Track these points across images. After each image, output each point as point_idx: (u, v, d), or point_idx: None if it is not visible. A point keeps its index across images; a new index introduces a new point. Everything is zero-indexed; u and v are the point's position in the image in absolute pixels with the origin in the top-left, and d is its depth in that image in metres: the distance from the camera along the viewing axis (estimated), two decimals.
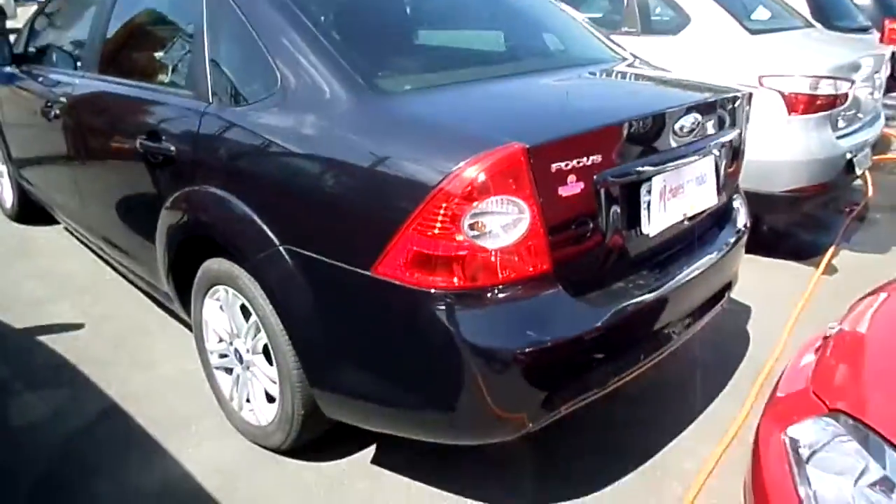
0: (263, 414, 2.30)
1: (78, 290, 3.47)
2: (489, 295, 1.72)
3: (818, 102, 3.63)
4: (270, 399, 2.26)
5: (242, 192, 2.06)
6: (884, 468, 1.32)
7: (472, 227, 1.65)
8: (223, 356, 2.44)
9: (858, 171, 4.03)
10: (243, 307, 2.22)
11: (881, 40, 6.80)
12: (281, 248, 1.95)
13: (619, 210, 1.91)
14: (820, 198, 4.13)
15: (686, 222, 2.14)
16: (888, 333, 1.69)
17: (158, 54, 2.62)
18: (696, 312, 2.28)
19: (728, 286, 2.53)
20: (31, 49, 3.51)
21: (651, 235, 2.00)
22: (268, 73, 2.05)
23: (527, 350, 1.73)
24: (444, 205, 1.62)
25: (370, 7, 2.43)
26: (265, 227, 1.98)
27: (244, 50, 2.16)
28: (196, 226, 2.29)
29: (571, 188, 1.73)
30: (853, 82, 3.77)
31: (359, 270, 1.77)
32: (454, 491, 2.20)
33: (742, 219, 2.60)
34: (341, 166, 1.83)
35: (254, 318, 2.17)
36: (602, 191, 1.82)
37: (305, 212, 1.93)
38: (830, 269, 3.93)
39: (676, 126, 2.00)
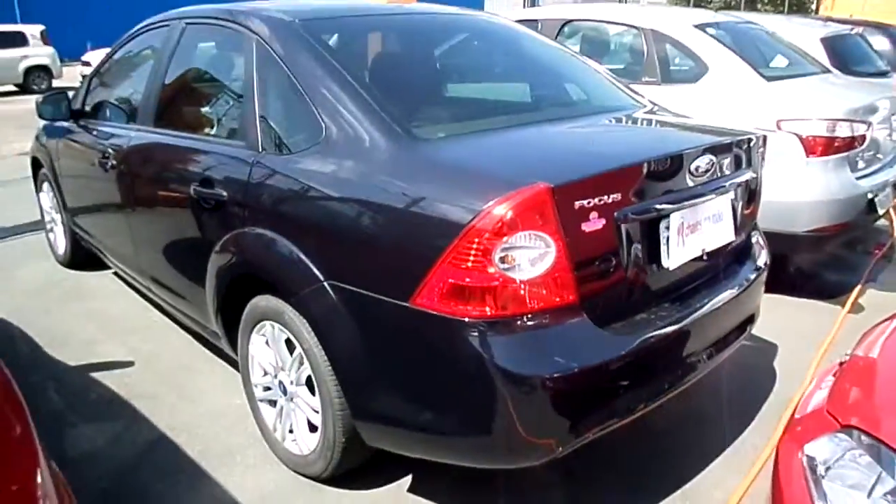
0: (306, 443, 2.42)
1: (127, 331, 3.66)
2: (519, 323, 1.85)
3: (836, 144, 3.75)
4: (312, 429, 2.38)
5: (289, 232, 2.24)
6: (894, 478, 1.41)
7: (502, 260, 1.80)
8: (267, 389, 2.58)
9: (880, 211, 4.11)
10: (288, 341, 2.37)
11: None
12: (325, 283, 2.11)
13: (639, 245, 2.04)
14: (842, 237, 4.21)
15: (705, 257, 2.26)
16: None
17: (210, 108, 2.85)
18: (719, 344, 2.38)
19: (750, 320, 2.63)
20: (88, 105, 3.78)
21: (671, 269, 2.12)
22: (313, 123, 2.24)
23: (555, 375, 1.85)
24: (476, 240, 1.77)
25: (405, 61, 2.64)
26: (311, 265, 2.15)
27: (291, 103, 2.36)
28: (245, 265, 2.46)
29: (594, 224, 1.88)
30: (870, 124, 3.89)
31: (398, 302, 1.92)
32: None
33: (761, 256, 2.70)
34: (381, 207, 1.99)
35: (298, 350, 2.31)
36: (623, 226, 1.96)
37: (348, 249, 2.09)
38: (857, 308, 3.99)
39: (692, 166, 2.14)
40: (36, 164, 4.54)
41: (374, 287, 1.99)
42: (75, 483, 2.43)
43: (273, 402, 2.57)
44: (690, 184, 2.17)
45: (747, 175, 2.48)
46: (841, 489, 1.48)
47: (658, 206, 2.05)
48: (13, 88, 16.94)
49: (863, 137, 3.86)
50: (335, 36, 2.56)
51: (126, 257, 3.54)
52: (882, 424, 1.50)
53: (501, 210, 1.75)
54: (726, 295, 2.34)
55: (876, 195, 4.04)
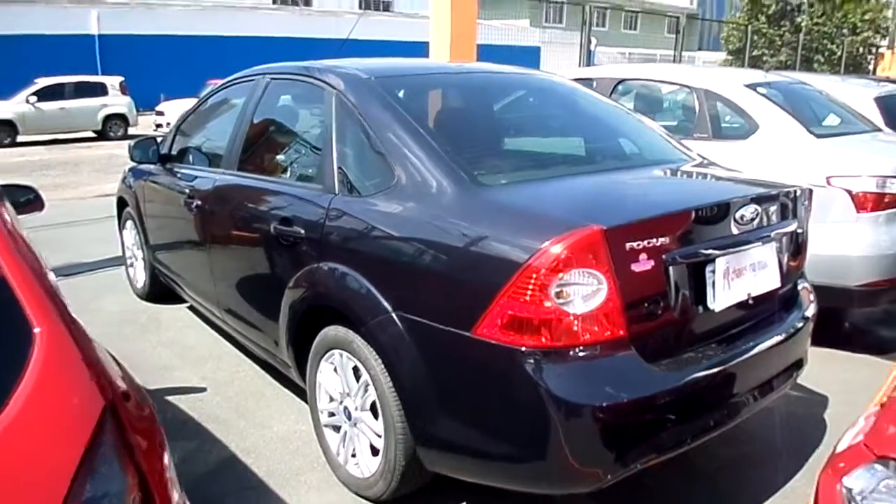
0: (367, 466, 2.59)
1: (200, 359, 3.92)
2: (572, 354, 2.01)
3: (886, 200, 3.82)
4: (374, 452, 2.54)
5: (360, 267, 2.45)
6: None
7: (557, 294, 1.97)
8: (332, 415, 2.76)
9: None
10: (355, 368, 2.56)
11: None
12: (393, 314, 2.31)
13: (687, 286, 2.19)
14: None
15: (751, 301, 2.38)
16: None
17: (290, 154, 3.13)
18: (764, 387, 2.47)
19: (797, 365, 2.71)
20: (175, 150, 4.13)
21: (717, 311, 2.25)
22: (386, 170, 2.47)
23: (605, 405, 1.99)
24: (534, 275, 1.95)
25: (467, 115, 2.88)
26: (380, 297, 2.35)
27: (365, 150, 2.61)
28: (318, 297, 2.68)
29: (643, 265, 2.03)
30: None
31: (460, 332, 2.10)
32: None
33: (809, 307, 2.79)
34: (447, 246, 2.20)
35: (364, 377, 2.50)
36: (671, 268, 2.11)
37: (415, 284, 2.29)
38: None
39: (738, 215, 2.29)
40: (121, 204, 4.92)
41: (439, 318, 2.18)
42: None
43: (337, 428, 2.75)
44: (736, 231, 2.31)
45: (792, 226, 2.60)
46: None
47: (704, 251, 2.20)
48: (92, 135, 18.05)
49: None
50: (405, 91, 2.82)
51: (204, 291, 3.82)
52: None
53: (558, 249, 1.93)
54: (772, 339, 2.45)
55: None
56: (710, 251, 2.21)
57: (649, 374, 2.08)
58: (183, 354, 4.00)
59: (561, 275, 1.95)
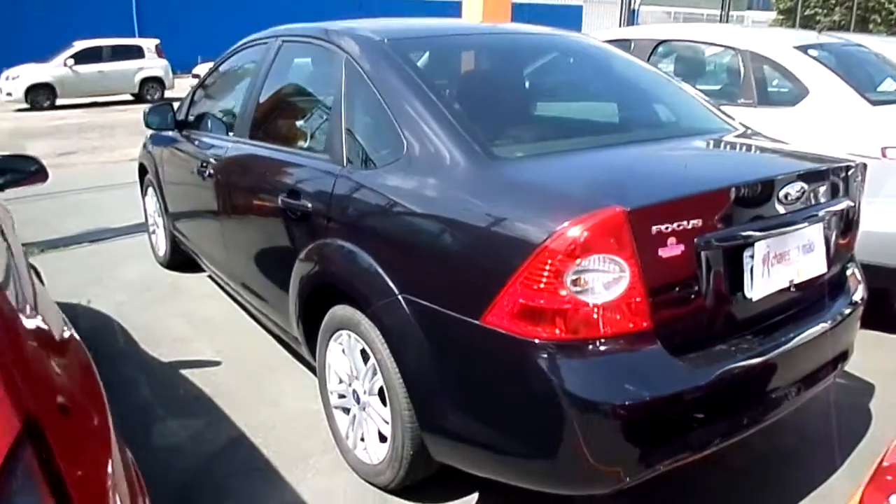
0: (375, 453, 2.47)
1: (217, 331, 3.84)
2: (590, 348, 1.83)
3: None
4: (383, 439, 2.42)
5: (368, 245, 2.30)
6: None
7: (574, 282, 1.78)
8: (342, 397, 2.64)
9: None
10: (363, 351, 2.42)
11: None
12: (400, 296, 2.15)
13: (721, 273, 1.98)
14: None
15: (793, 289, 2.16)
16: None
17: (301, 122, 2.96)
18: (806, 381, 2.26)
19: (843, 357, 2.49)
20: (191, 116, 4.00)
21: (754, 300, 2.04)
22: (395, 140, 2.29)
23: (624, 404, 1.82)
24: (548, 261, 1.77)
25: (491, 80, 2.67)
26: (386, 277, 2.20)
27: (376, 119, 2.43)
28: (326, 275, 2.54)
29: (672, 250, 1.83)
30: None
31: (469, 319, 1.94)
32: None
33: (857, 291, 2.55)
34: (456, 225, 2.02)
35: (372, 360, 2.36)
36: (703, 254, 1.90)
37: (423, 265, 2.13)
38: None
39: (781, 193, 2.06)
40: (143, 170, 4.84)
41: (447, 303, 2.01)
42: (159, 473, 2.61)
43: (347, 410, 2.63)
44: (779, 211, 2.09)
45: (843, 204, 2.36)
46: None
47: (742, 234, 1.98)
48: (129, 98, 18.15)
49: None
50: (424, 55, 2.62)
51: (218, 261, 3.72)
52: None
53: (575, 232, 1.74)
54: (815, 330, 2.23)
55: None
56: (748, 234, 1.99)
57: (675, 369, 1.89)
58: (199, 325, 3.92)
59: (578, 261, 1.76)
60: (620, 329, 1.83)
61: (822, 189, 2.27)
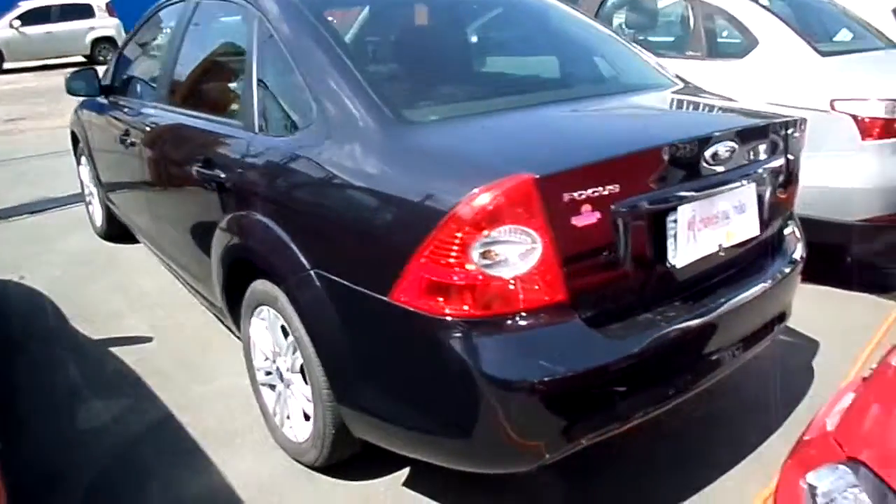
0: (301, 431, 2.38)
1: (151, 305, 3.71)
2: (502, 324, 1.73)
3: (895, 127, 3.43)
4: (307, 417, 2.33)
5: (280, 218, 2.17)
6: None
7: (483, 255, 1.68)
8: (268, 374, 2.54)
9: None
10: (283, 327, 2.32)
11: None
12: (312, 271, 2.03)
13: (642, 240, 1.88)
14: None
15: (722, 253, 2.08)
16: None
17: (215, 87, 2.79)
18: (737, 347, 2.20)
19: (778, 319, 2.43)
20: (116, 81, 3.79)
21: (679, 267, 1.95)
22: (305, 105, 2.15)
23: (540, 380, 1.73)
24: (453, 233, 1.66)
25: (416, 39, 2.51)
26: (298, 252, 2.08)
27: (286, 82, 2.28)
28: (242, 249, 2.41)
29: (587, 218, 1.73)
30: None
31: (378, 296, 1.83)
32: None
33: (796, 250, 2.49)
34: (363, 195, 1.90)
35: (291, 337, 2.26)
36: (621, 221, 1.80)
37: (333, 238, 2.01)
38: None
39: (708, 153, 1.95)
40: (74, 138, 4.62)
41: (356, 279, 1.91)
42: (78, 456, 2.51)
43: (273, 387, 2.54)
44: (707, 173, 1.98)
45: (780, 161, 2.27)
46: None
47: (664, 198, 1.88)
48: (81, 59, 17.49)
49: None
50: (337, 11, 2.45)
51: (148, 233, 3.57)
52: (886, 461, 1.32)
53: (479, 202, 1.63)
54: (748, 294, 2.15)
55: None
56: (671, 198, 1.89)
57: (594, 342, 1.80)
58: (134, 300, 3.79)
59: (485, 232, 1.65)
60: (534, 303, 1.73)
61: (756, 147, 2.17)
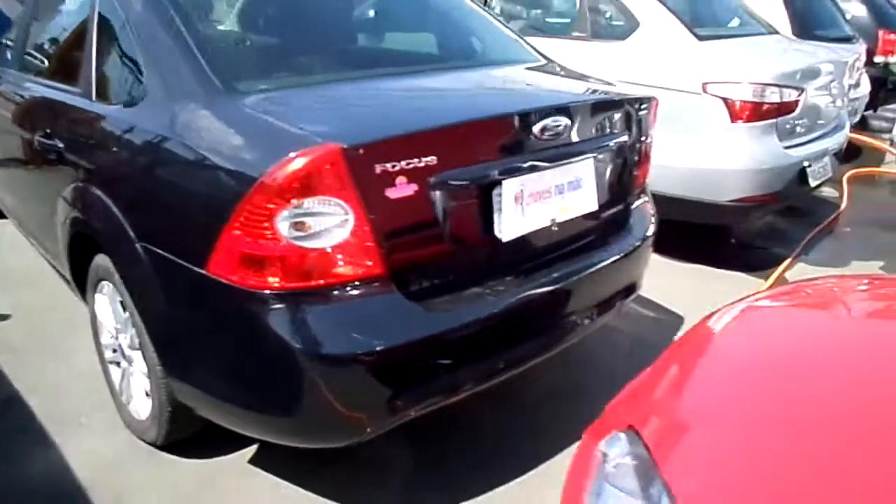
0: (143, 408, 2.32)
1: (16, 283, 3.54)
2: (316, 297, 1.71)
3: (763, 110, 3.56)
4: (148, 394, 2.27)
5: (111, 190, 2.10)
6: (647, 497, 1.26)
7: (295, 227, 1.65)
8: (115, 351, 2.46)
9: (813, 183, 3.92)
10: (122, 302, 2.24)
11: (876, 52, 6.66)
12: (137, 244, 1.97)
13: (466, 214, 1.89)
14: (774, 208, 4.05)
15: (556, 227, 2.10)
16: (715, 349, 1.63)
17: (62, 53, 2.66)
18: (573, 321, 2.24)
19: (625, 293, 2.48)
20: None
21: (506, 241, 1.96)
22: (139, 73, 2.07)
23: (355, 353, 1.73)
24: (261, 204, 1.63)
25: (261, 10, 2.44)
26: (126, 224, 2.01)
27: (122, 50, 2.18)
28: (79, 223, 2.32)
29: (402, 190, 1.72)
30: (802, 90, 3.68)
31: (196, 269, 1.79)
32: (324, 494, 2.19)
33: (646, 225, 2.55)
34: (184, 165, 1.85)
35: (127, 313, 2.19)
36: (440, 193, 1.80)
37: (157, 210, 1.95)
38: (781, 282, 3.84)
39: (537, 128, 1.96)
40: None
41: (177, 251, 1.86)
42: None
43: (119, 365, 2.46)
44: (537, 147, 2.00)
45: (622, 138, 2.30)
46: (618, 495, 1.35)
47: (486, 173, 1.88)
48: None
49: (794, 104, 3.67)
50: None
51: (10, 207, 3.40)
52: (652, 430, 1.36)
53: (285, 172, 1.60)
54: (586, 268, 2.19)
55: (809, 165, 3.86)
56: (495, 172, 1.89)
57: (414, 315, 1.80)
58: (1, 278, 3.61)
59: (294, 202, 1.62)
60: (348, 276, 1.72)
61: (597, 123, 2.21)
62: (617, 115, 2.30)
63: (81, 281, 2.56)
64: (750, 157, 3.59)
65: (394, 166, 1.68)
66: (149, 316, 2.02)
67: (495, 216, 1.93)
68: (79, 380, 2.75)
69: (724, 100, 3.55)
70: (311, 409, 1.77)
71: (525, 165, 1.95)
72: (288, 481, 2.23)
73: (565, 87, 2.44)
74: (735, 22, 4.59)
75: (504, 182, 1.91)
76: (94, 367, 2.78)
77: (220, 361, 1.90)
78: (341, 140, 1.63)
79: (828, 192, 5.42)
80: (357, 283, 1.73)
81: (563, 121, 2.02)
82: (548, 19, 4.51)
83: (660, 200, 3.79)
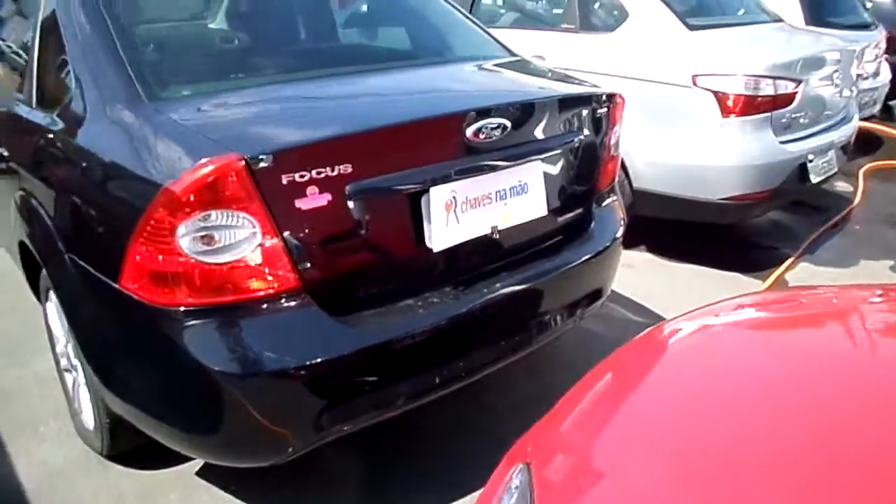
0: (90, 418, 2.28)
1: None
2: (227, 313, 1.65)
3: (756, 103, 3.38)
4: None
5: (43, 199, 2.07)
6: None
7: (201, 240, 1.58)
8: (67, 359, 2.44)
9: (815, 178, 3.73)
10: None
11: None
12: (66, 255, 1.93)
13: (391, 224, 1.80)
14: (770, 205, 3.86)
15: (497, 235, 1.99)
16: (641, 373, 1.50)
17: (18, 56, 2.63)
18: (524, 332, 2.13)
19: (586, 300, 2.36)
20: None
21: (438, 250, 1.86)
22: (69, 79, 2.02)
23: (268, 371, 1.65)
24: (163, 217, 1.56)
25: (191, 11, 2.36)
26: (56, 235, 1.97)
27: (57, 56, 2.13)
28: (21, 233, 2.28)
29: (315, 200, 1.63)
30: (800, 81, 3.50)
31: (110, 282, 1.73)
32: None
33: (610, 227, 2.42)
34: (101, 174, 1.80)
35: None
36: (359, 203, 1.70)
37: (78, 220, 1.91)
38: (781, 284, 3.67)
39: (470, 131, 1.84)
40: None
41: (94, 264, 1.81)
42: None
43: (70, 372, 2.43)
44: (472, 151, 1.89)
45: (576, 138, 2.18)
46: None
47: (411, 180, 1.78)
48: None
49: (791, 96, 3.48)
50: None
51: None
52: (547, 467, 1.26)
53: (185, 183, 1.53)
54: (535, 276, 2.09)
55: (811, 161, 3.67)
56: (418, 180, 1.79)
57: (333, 330, 1.72)
58: None
59: (197, 215, 1.55)
60: (261, 290, 1.65)
61: (545, 123, 2.09)
62: (572, 114, 2.18)
63: (37, 287, 2.54)
64: (742, 153, 3.43)
65: (302, 176, 1.60)
66: (77, 327, 1.98)
67: (425, 225, 1.83)
68: (38, 385, 2.74)
69: (715, 93, 3.39)
70: (229, 427, 1.71)
71: (456, 171, 1.85)
72: (234, 496, 2.18)
73: (514, 87, 2.33)
74: (739, 11, 4.39)
75: (431, 190, 1.81)
76: (52, 373, 2.78)
77: (142, 376, 1.85)
78: (245, 150, 1.55)
79: (842, 186, 5.20)
80: (271, 298, 1.66)
81: (502, 122, 1.90)
82: (538, 11, 4.36)
83: (650, 198, 3.70)
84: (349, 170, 1.66)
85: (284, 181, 1.59)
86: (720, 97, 3.38)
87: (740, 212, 3.64)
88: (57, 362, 2.55)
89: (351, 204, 1.69)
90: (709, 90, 3.40)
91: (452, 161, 1.85)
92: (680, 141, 3.50)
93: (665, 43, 3.60)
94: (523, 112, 2.00)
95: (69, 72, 2.03)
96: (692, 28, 3.63)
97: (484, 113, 1.87)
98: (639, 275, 3.79)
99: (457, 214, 1.87)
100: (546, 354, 2.78)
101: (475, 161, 1.89)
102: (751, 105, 3.38)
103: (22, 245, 2.36)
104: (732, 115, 3.39)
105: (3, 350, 2.97)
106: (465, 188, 1.88)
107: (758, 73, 3.36)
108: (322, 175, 1.62)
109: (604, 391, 1.46)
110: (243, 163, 1.54)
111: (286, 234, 1.62)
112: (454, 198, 1.86)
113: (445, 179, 1.83)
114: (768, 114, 3.41)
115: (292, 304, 1.67)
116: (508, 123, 1.93)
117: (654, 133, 3.60)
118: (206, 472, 2.27)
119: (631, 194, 3.77)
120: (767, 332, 1.56)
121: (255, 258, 1.61)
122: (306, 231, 1.66)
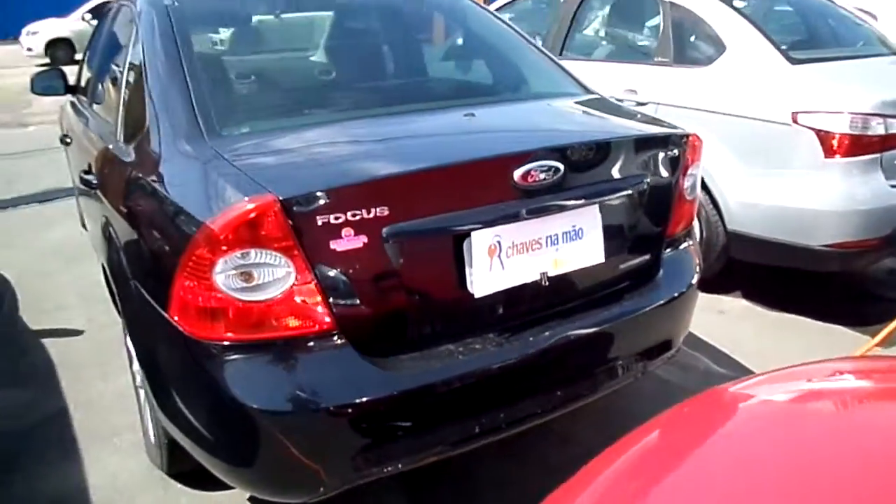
0: (152, 436, 2.38)
1: (99, 299, 3.77)
2: (263, 350, 1.67)
3: (864, 143, 3.11)
4: None
5: (118, 226, 2.18)
6: None
7: (240, 277, 1.61)
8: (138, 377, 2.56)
9: None
10: None
11: None
12: (131, 281, 2.03)
13: (431, 267, 1.77)
14: (883, 254, 3.52)
15: (547, 282, 1.91)
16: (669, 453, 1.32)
17: (107, 91, 2.82)
18: (575, 384, 2.03)
19: (653, 352, 2.23)
20: (81, 80, 3.90)
21: (479, 296, 1.81)
22: (148, 115, 2.13)
23: (298, 410, 1.66)
24: (203, 254, 1.60)
25: (269, 54, 2.44)
26: (124, 260, 2.08)
27: (138, 91, 2.26)
28: (102, 253, 2.43)
29: (350, 242, 1.62)
30: None
31: (161, 311, 1.80)
32: None
33: (681, 276, 2.28)
34: (157, 205, 1.89)
35: None
36: (397, 245, 1.68)
37: (139, 251, 2.00)
38: (889, 342, 3.32)
39: (518, 173, 1.78)
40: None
41: (151, 292, 1.89)
42: None
43: (140, 390, 2.55)
44: (519, 194, 1.82)
45: (642, 182, 2.07)
46: None
47: (451, 224, 1.74)
48: None
49: None
50: (208, 15, 2.42)
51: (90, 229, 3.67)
52: None
53: (221, 223, 1.57)
54: (590, 325, 1.99)
55: None
56: (459, 223, 1.74)
57: (366, 373, 1.70)
58: (86, 293, 3.89)
59: (237, 253, 1.59)
60: (297, 329, 1.66)
61: (606, 166, 2.00)
62: (637, 156, 2.08)
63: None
64: (847, 197, 3.15)
65: (337, 217, 1.60)
66: (138, 348, 2.07)
67: (466, 269, 1.79)
68: (118, 399, 2.87)
69: (817, 132, 3.14)
70: (261, 461, 1.73)
71: (501, 215, 1.79)
72: None
73: (575, 127, 2.24)
74: (858, 43, 4.07)
75: (473, 234, 1.76)
76: (132, 388, 2.93)
77: (186, 403, 1.89)
78: (283, 190, 1.57)
79: None
80: (305, 337, 1.66)
81: (553, 164, 1.83)
82: (632, 44, 4.22)
83: (746, 241, 3.47)
84: (385, 212, 1.64)
85: (320, 222, 1.59)
86: (822, 136, 3.13)
87: (845, 260, 3.34)
88: (133, 378, 2.68)
89: (387, 246, 1.68)
90: (810, 128, 3.15)
91: (497, 204, 1.80)
92: (778, 181, 3.27)
93: (763, 77, 3.39)
94: (579, 154, 1.92)
95: (145, 108, 2.15)
96: (794, 62, 3.39)
97: (533, 155, 1.81)
98: (730, 322, 3.56)
99: (501, 259, 1.82)
100: (613, 404, 2.64)
101: (523, 205, 1.83)
102: (857, 145, 3.11)
103: (104, 267, 2.52)
104: (837, 156, 3.13)
105: (96, 362, 3.17)
106: (511, 232, 1.82)
107: (866, 111, 3.09)
108: (357, 217, 1.62)
109: (630, 463, 1.34)
110: (279, 203, 1.55)
111: (321, 274, 1.63)
112: (499, 242, 1.80)
113: (489, 223, 1.78)
114: (878, 155, 3.13)
115: (326, 344, 1.67)
116: (561, 166, 1.85)
117: (751, 172, 3.39)
118: (260, 498, 2.31)
119: (724, 235, 3.56)
120: (865, 410, 1.32)
121: (290, 297, 1.62)
122: (342, 272, 1.65)
